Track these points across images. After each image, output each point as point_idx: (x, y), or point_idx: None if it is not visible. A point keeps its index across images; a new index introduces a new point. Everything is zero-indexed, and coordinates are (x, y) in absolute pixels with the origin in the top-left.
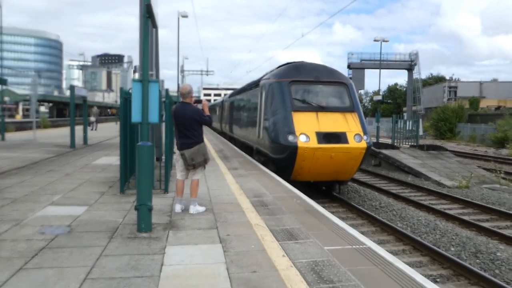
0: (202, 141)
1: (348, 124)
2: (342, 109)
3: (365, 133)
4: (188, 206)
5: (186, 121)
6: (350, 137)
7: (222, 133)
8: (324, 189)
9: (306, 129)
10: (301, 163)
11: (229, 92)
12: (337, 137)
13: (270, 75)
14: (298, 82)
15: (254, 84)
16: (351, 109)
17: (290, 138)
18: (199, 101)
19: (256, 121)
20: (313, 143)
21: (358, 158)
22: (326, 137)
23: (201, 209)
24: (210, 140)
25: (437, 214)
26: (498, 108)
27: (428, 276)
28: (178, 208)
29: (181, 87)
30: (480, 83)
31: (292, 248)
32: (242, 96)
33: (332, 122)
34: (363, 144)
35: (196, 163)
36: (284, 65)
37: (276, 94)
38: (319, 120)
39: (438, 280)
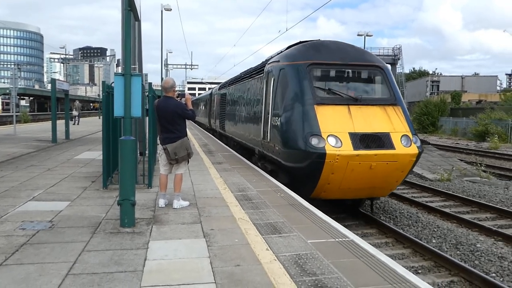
0: (185, 135)
1: (392, 122)
2: (381, 101)
3: (413, 133)
4: (172, 201)
5: (169, 115)
6: (395, 139)
7: (211, 130)
8: (350, 205)
9: (336, 129)
10: (328, 177)
11: (213, 86)
12: (379, 140)
13: (279, 56)
14: (320, 65)
15: (256, 71)
16: (392, 101)
17: (314, 141)
18: (182, 95)
19: (260, 118)
20: (347, 148)
21: (406, 168)
22: (364, 140)
23: (185, 203)
24: (195, 135)
25: (419, 206)
26: (479, 102)
27: (410, 268)
28: (161, 202)
29: (164, 81)
30: (462, 77)
31: (275, 242)
32: (239, 86)
33: (370, 119)
34: (414, 150)
35: (179, 158)
36: (296, 44)
37: (291, 81)
38: (353, 116)
39: (419, 271)
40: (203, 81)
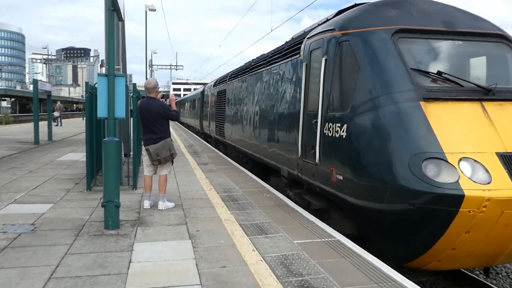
0: (169, 136)
1: None
2: None
3: None
4: (157, 202)
5: (152, 116)
6: None
7: (202, 134)
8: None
9: (472, 147)
10: (458, 237)
11: (199, 86)
12: None
13: (334, 23)
14: (413, 33)
15: (281, 53)
16: None
17: (432, 171)
18: (166, 96)
19: (294, 122)
20: (503, 185)
21: None
22: None
23: (170, 205)
24: (180, 135)
25: None
26: None
27: (395, 267)
28: (146, 204)
29: (146, 81)
30: None
31: (262, 243)
32: (249, 78)
33: None
34: None
35: (161, 159)
36: (358, 5)
37: (365, 60)
38: (494, 121)
39: (405, 270)
40: (189, 81)
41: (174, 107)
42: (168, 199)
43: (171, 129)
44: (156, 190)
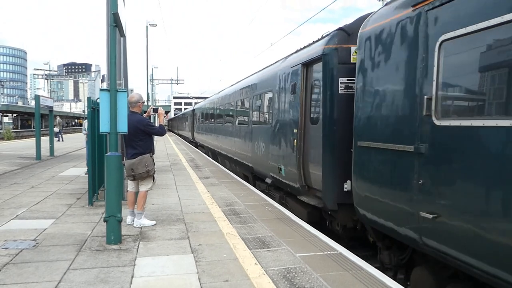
0: (148, 152)
1: None
2: None
3: None
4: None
5: (131, 130)
6: None
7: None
8: None
9: None
10: None
11: (200, 100)
12: None
13: None
14: None
15: None
16: None
17: None
18: (155, 109)
19: None
20: None
21: None
22: None
23: (148, 223)
24: (182, 150)
25: None
26: None
27: (398, 280)
28: (129, 219)
29: (129, 96)
30: None
31: (264, 256)
32: None
33: None
34: None
35: (136, 175)
36: None
37: None
38: None
39: (408, 283)
40: (190, 95)
41: (161, 121)
42: (152, 216)
43: (172, 144)
44: (156, 204)
